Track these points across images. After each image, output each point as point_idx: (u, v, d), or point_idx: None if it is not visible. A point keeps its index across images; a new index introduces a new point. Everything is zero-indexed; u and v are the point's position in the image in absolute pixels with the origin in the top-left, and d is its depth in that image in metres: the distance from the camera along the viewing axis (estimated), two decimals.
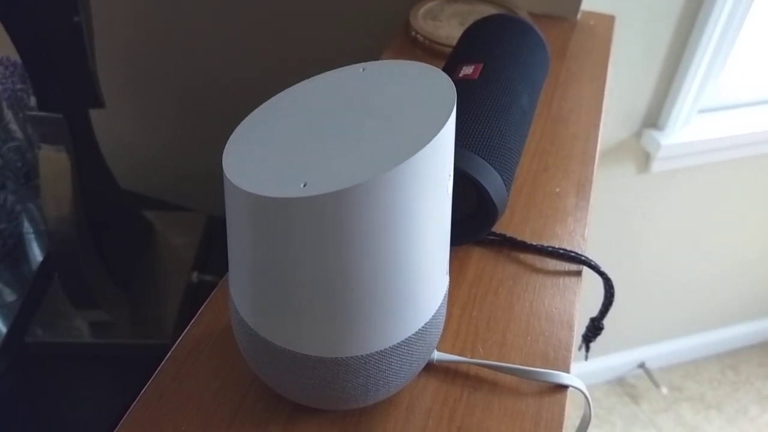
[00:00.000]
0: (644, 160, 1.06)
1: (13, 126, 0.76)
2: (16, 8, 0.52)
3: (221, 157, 0.24)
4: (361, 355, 0.26)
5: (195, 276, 0.76)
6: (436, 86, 0.25)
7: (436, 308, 0.28)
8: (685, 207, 1.18)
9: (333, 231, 0.22)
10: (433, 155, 0.23)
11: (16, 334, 0.67)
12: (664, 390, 1.56)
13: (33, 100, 0.73)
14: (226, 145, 0.25)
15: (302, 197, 0.21)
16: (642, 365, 1.57)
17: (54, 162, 0.59)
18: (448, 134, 0.24)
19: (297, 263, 0.24)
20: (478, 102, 0.41)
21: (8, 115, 0.75)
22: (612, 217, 1.14)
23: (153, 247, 0.79)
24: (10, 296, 0.70)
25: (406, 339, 0.27)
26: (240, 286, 0.27)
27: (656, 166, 1.05)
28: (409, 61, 0.27)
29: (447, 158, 0.25)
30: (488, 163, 0.37)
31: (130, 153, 0.94)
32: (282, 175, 0.22)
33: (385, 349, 0.27)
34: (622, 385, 1.57)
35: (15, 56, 0.70)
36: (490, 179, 0.37)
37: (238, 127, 0.26)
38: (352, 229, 0.22)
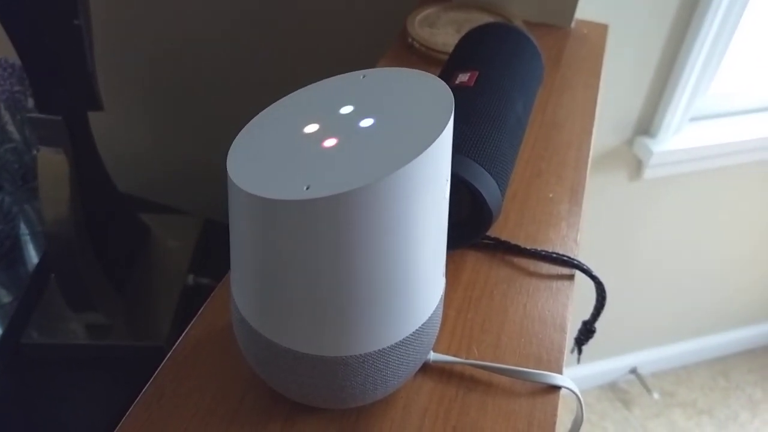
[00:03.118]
0: (636, 167, 1.07)
1: (11, 128, 0.76)
2: (17, 11, 0.52)
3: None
4: (360, 354, 0.27)
5: (191, 279, 0.76)
6: (435, 94, 0.26)
7: (433, 309, 0.29)
8: (676, 214, 1.19)
9: (334, 233, 0.23)
10: (431, 160, 0.24)
11: (11, 336, 0.67)
12: (656, 395, 1.57)
13: (30, 102, 0.74)
14: (230, 148, 0.25)
15: (305, 200, 0.22)
16: (634, 370, 1.58)
17: (53, 164, 0.59)
18: (446, 140, 0.25)
19: (298, 264, 0.24)
20: (474, 108, 0.41)
21: (5, 116, 0.75)
22: (604, 223, 1.15)
23: (149, 250, 0.79)
24: (6, 298, 0.70)
25: (403, 339, 0.28)
26: (241, 285, 0.28)
27: (648, 173, 1.06)
28: (408, 69, 0.28)
29: (445, 163, 0.25)
30: (483, 168, 0.38)
31: (125, 155, 0.94)
32: (285, 179, 0.23)
33: (384, 348, 0.27)
34: (614, 390, 1.58)
35: (13, 58, 0.71)
36: (486, 184, 0.38)
37: (242, 131, 0.26)
38: (353, 231, 0.23)
